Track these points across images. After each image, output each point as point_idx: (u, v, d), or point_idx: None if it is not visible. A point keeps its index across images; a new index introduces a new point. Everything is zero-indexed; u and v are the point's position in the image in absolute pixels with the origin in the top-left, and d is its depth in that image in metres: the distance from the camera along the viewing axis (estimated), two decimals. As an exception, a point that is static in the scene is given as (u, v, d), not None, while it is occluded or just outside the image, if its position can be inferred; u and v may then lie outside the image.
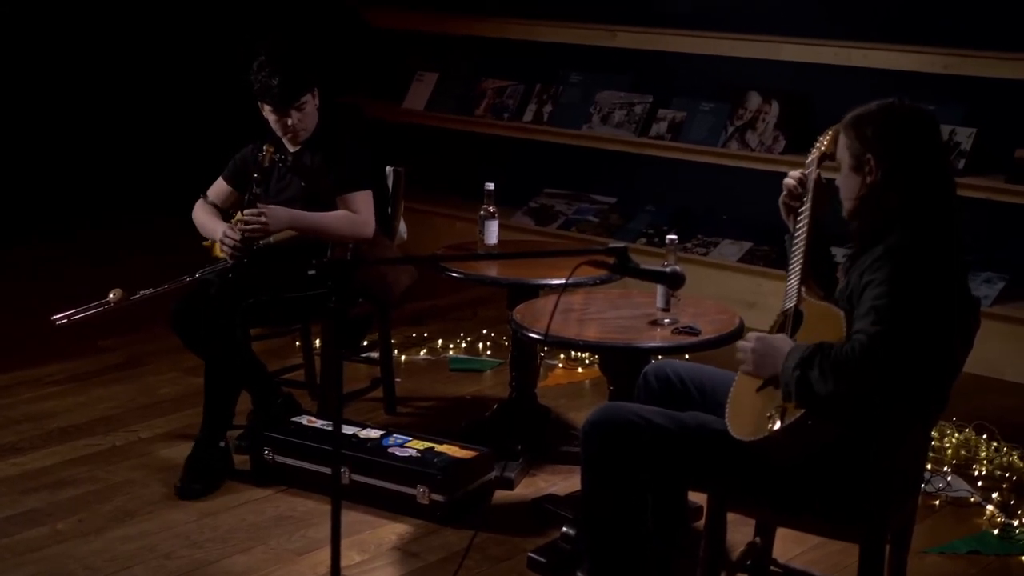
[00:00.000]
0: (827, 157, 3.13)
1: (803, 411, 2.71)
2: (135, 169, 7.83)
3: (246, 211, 4.24)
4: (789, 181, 3.17)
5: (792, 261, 3.06)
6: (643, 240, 6.26)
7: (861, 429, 2.78)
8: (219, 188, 4.48)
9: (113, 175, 7.80)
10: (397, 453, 4.01)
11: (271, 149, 4.30)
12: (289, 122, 4.30)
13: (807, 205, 3.12)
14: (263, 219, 4.19)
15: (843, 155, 2.97)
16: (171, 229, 6.27)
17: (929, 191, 2.89)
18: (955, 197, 2.95)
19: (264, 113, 4.34)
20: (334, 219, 4.31)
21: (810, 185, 3.12)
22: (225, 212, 4.39)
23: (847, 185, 2.96)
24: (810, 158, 3.17)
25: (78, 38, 7.54)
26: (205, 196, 4.45)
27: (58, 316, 4.25)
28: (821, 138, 3.16)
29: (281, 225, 4.24)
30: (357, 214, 4.32)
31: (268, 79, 4.23)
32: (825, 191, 3.12)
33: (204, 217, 4.40)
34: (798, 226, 3.12)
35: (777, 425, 2.74)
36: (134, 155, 7.81)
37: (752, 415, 2.85)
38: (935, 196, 2.90)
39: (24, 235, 7.18)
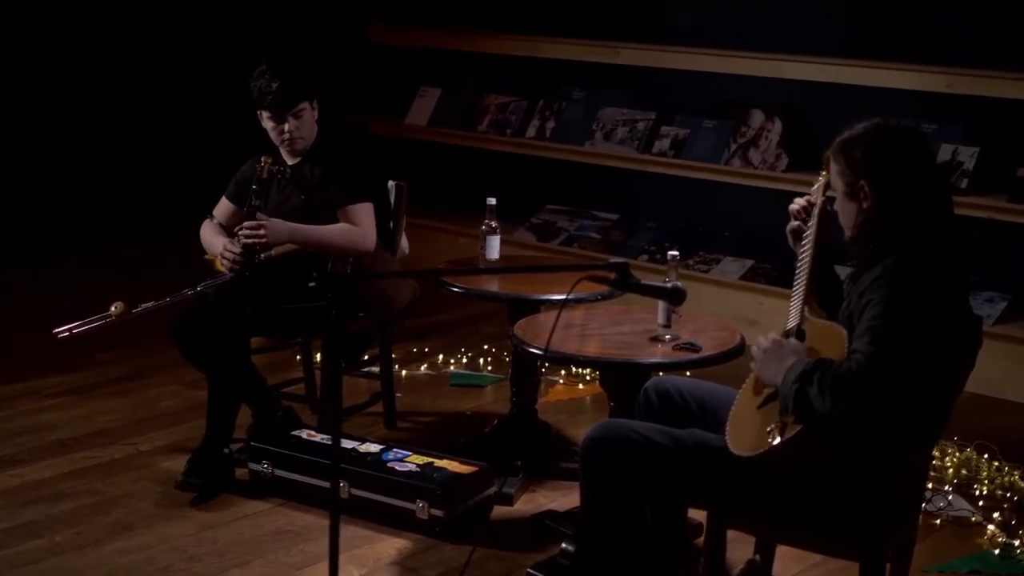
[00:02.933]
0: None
1: (803, 426, 2.71)
2: (135, 186, 7.84)
3: (245, 224, 4.24)
4: (794, 207, 3.17)
5: (796, 283, 3.06)
6: (645, 257, 6.26)
7: (859, 447, 2.77)
8: (223, 207, 4.49)
9: (114, 192, 7.80)
10: (397, 468, 4.00)
11: (268, 160, 4.30)
12: (286, 128, 4.30)
13: (811, 229, 3.11)
14: (262, 232, 4.19)
15: (836, 182, 2.96)
16: (173, 245, 6.28)
17: (926, 210, 2.88)
18: (951, 213, 2.94)
19: (262, 122, 4.35)
20: (334, 232, 4.31)
21: (815, 212, 3.11)
22: (229, 231, 4.40)
23: (845, 212, 2.95)
24: (816, 186, 3.16)
25: (82, 56, 7.55)
26: (211, 217, 4.47)
27: (59, 329, 4.24)
28: (825, 166, 3.14)
29: (281, 238, 4.24)
30: (358, 227, 4.32)
31: (266, 84, 4.26)
32: (831, 219, 3.11)
33: (208, 235, 4.43)
34: (802, 249, 3.11)
35: (777, 440, 2.73)
36: (133, 173, 7.82)
37: (752, 431, 2.84)
38: (932, 214, 2.88)
39: (25, 251, 7.16)
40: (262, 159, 4.30)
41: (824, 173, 3.10)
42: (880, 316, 2.72)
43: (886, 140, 2.90)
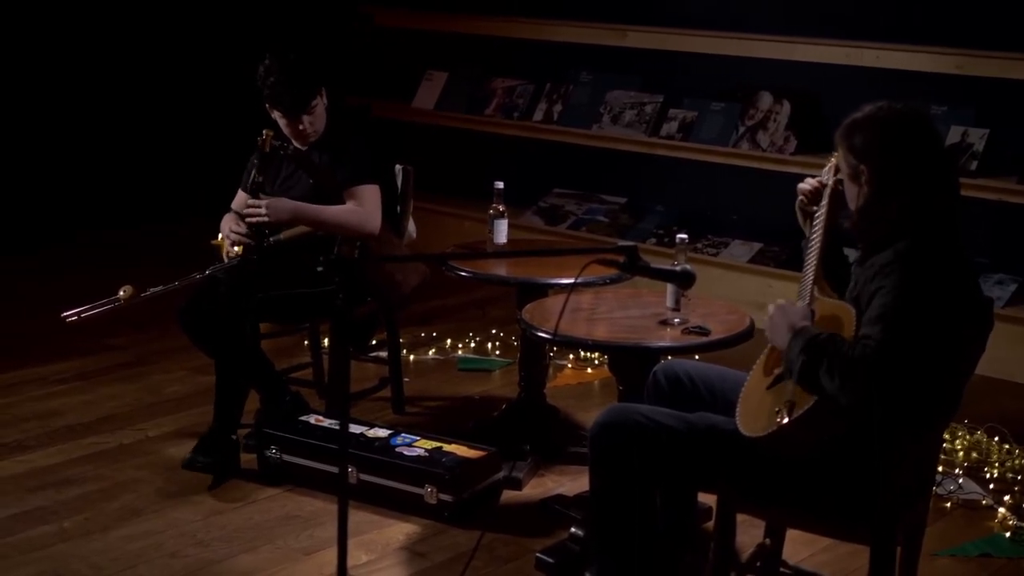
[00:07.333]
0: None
1: (812, 404, 2.70)
2: (144, 174, 7.81)
3: (249, 202, 4.22)
4: (804, 187, 3.16)
5: (806, 263, 3.05)
6: (653, 240, 6.24)
7: (869, 430, 2.76)
8: (239, 198, 4.48)
9: (122, 179, 7.78)
10: (405, 453, 3.99)
11: (270, 133, 4.25)
12: (301, 127, 4.29)
13: (822, 210, 3.10)
14: (263, 210, 4.18)
15: (842, 165, 2.96)
16: (181, 232, 6.28)
17: (930, 194, 2.85)
18: (958, 196, 2.91)
19: (273, 116, 4.32)
20: (339, 212, 4.29)
21: (826, 192, 3.10)
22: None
23: (849, 195, 2.95)
24: (827, 167, 3.15)
25: (85, 43, 7.52)
26: (231, 210, 4.45)
27: (68, 313, 4.23)
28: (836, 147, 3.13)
29: (284, 216, 4.22)
30: (362, 208, 4.30)
31: (280, 90, 4.21)
32: (842, 199, 3.10)
33: (223, 222, 4.40)
34: (813, 230, 3.11)
35: (786, 419, 2.72)
36: (143, 159, 7.79)
37: (762, 412, 2.83)
38: (937, 198, 2.86)
39: (34, 237, 7.14)
40: (263, 132, 4.27)
41: (836, 154, 3.10)
42: (891, 303, 2.71)
43: (887, 126, 2.88)
